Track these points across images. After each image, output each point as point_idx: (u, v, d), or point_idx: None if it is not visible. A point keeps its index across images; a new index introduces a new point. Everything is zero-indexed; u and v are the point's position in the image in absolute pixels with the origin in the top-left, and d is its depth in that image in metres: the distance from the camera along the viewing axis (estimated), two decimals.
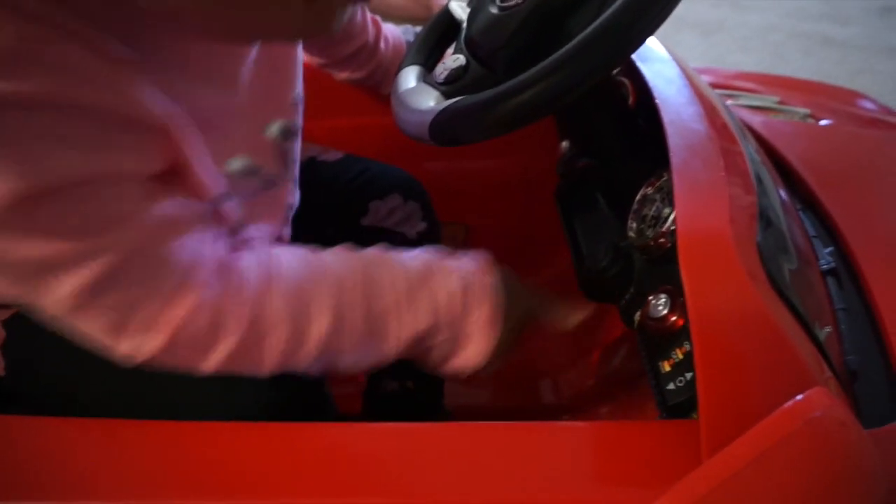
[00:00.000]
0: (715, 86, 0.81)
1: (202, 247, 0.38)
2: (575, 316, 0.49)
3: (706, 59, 1.91)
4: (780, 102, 0.79)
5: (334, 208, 0.50)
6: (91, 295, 0.34)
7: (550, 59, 0.38)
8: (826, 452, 0.29)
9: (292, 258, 0.42)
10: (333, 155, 0.65)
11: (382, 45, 0.68)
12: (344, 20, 0.35)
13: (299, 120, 0.48)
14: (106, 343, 0.37)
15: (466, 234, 0.85)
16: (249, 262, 0.40)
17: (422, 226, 0.68)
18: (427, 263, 0.44)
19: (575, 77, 0.37)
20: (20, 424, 0.36)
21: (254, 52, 0.43)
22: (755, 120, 0.70)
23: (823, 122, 0.76)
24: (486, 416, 0.44)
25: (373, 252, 0.44)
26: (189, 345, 0.37)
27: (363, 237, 0.65)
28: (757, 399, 0.31)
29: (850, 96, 0.91)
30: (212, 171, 0.39)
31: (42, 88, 0.29)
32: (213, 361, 0.38)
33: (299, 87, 0.48)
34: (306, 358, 0.40)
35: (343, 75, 0.70)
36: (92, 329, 0.36)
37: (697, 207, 0.37)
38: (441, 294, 0.42)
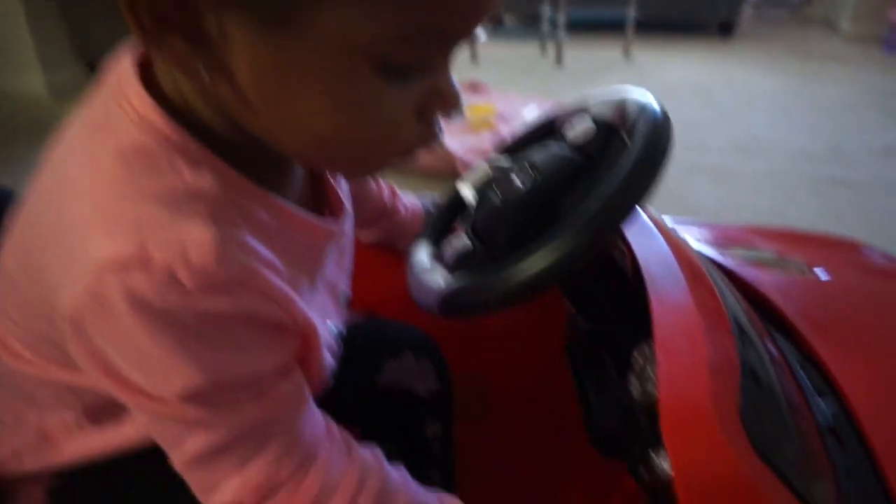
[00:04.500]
0: (712, 240, 0.87)
1: (318, 418, 0.44)
2: None
3: (719, 204, 2.00)
4: (778, 255, 0.83)
5: (352, 367, 0.55)
6: (216, 453, 0.39)
7: (541, 246, 0.44)
8: None
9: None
10: (356, 317, 0.70)
11: (401, 208, 0.75)
12: (442, 128, 0.41)
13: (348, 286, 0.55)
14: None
15: (486, 386, 0.88)
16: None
17: (434, 384, 0.71)
18: None
19: (562, 262, 0.43)
20: None
21: (339, 234, 0.50)
22: (751, 274, 0.74)
23: (822, 275, 0.79)
24: None
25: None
26: None
27: (377, 396, 0.70)
28: None
29: (851, 247, 0.94)
30: (326, 353, 0.46)
31: (243, 306, 0.36)
32: None
33: (350, 256, 0.56)
34: None
35: (363, 236, 0.76)
36: (209, 484, 0.40)
37: (678, 378, 0.40)
38: None
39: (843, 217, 1.89)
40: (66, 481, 0.48)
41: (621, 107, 0.54)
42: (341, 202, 0.51)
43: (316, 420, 0.43)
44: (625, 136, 0.53)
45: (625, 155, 0.48)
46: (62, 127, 0.41)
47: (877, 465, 0.50)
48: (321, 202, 0.51)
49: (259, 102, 0.36)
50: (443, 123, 0.41)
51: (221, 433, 0.38)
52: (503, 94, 2.80)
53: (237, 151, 0.39)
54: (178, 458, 0.39)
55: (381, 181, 0.74)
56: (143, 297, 0.33)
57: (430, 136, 0.41)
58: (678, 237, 0.60)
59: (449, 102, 0.39)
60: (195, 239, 0.34)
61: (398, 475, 0.46)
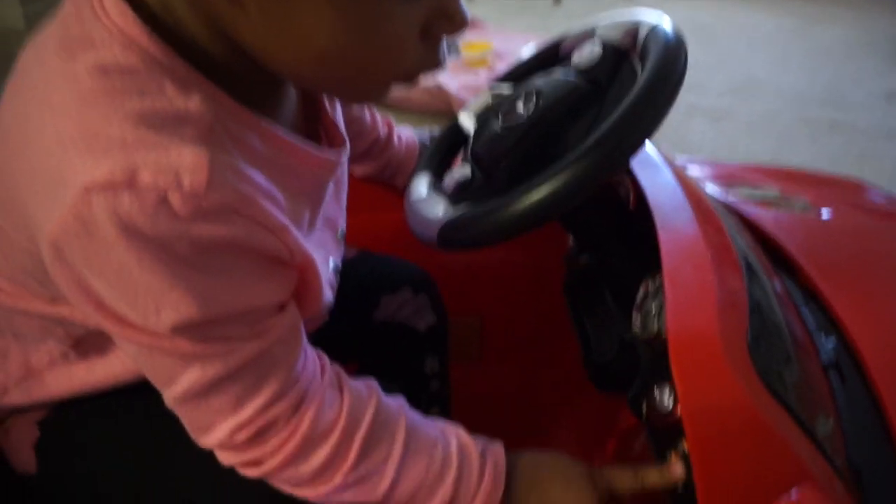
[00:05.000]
0: (716, 178, 0.85)
1: (312, 356, 0.43)
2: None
3: (716, 145, 1.97)
4: (781, 194, 0.82)
5: (347, 303, 0.54)
6: (210, 390, 0.37)
7: (544, 174, 0.42)
8: None
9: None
10: (349, 252, 0.69)
11: (395, 141, 0.72)
12: (446, 56, 0.40)
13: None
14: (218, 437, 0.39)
15: (482, 326, 0.87)
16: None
17: (431, 318, 0.70)
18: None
19: (566, 192, 0.41)
20: None
21: (339, 166, 0.48)
22: (755, 212, 0.72)
23: (824, 213, 0.78)
24: None
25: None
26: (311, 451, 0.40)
27: (375, 331, 0.69)
28: (752, 495, 0.33)
29: (854, 186, 0.93)
30: (326, 289, 0.44)
31: (236, 234, 0.34)
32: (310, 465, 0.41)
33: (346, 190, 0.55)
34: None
35: (359, 170, 0.74)
36: (205, 421, 0.39)
37: (687, 309, 0.39)
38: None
39: (839, 161, 1.87)
40: (57, 414, 0.48)
41: (632, 30, 0.51)
42: (339, 132, 0.49)
43: (309, 358, 0.42)
44: (635, 62, 0.50)
45: (635, 81, 0.46)
46: (32, 43, 0.38)
47: (878, 401, 0.50)
48: (316, 132, 0.48)
49: (256, 10, 0.33)
50: (446, 54, 0.39)
51: (217, 368, 0.36)
52: (500, 32, 2.71)
53: (227, 73, 0.37)
54: (171, 394, 0.38)
55: (376, 113, 0.71)
56: (131, 222, 0.31)
57: (434, 61, 0.39)
58: (686, 173, 0.58)
59: (456, 25, 0.37)
60: (187, 163, 0.32)
61: (396, 404, 0.45)
